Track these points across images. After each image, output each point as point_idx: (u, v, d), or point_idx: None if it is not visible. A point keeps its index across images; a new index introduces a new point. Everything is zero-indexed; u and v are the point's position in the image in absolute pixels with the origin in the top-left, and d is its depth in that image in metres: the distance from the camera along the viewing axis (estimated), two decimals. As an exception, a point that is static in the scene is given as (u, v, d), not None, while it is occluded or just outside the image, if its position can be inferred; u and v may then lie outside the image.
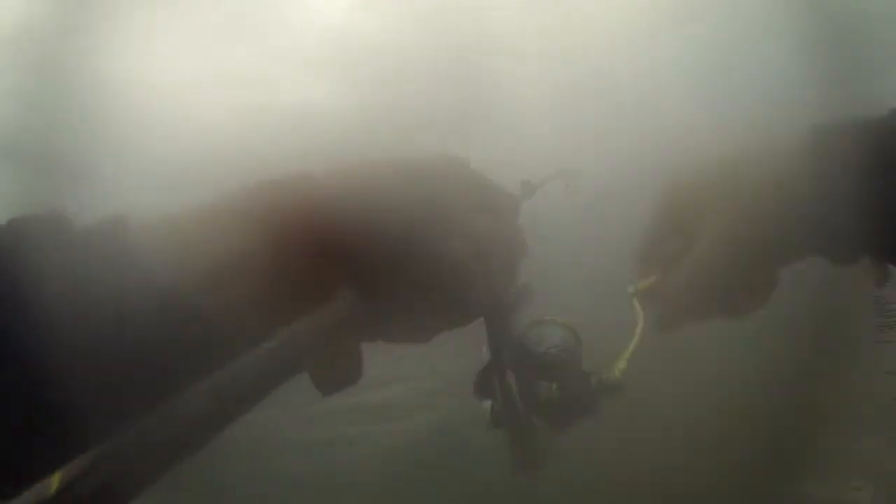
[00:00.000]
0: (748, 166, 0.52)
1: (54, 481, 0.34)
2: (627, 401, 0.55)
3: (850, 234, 0.48)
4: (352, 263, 0.40)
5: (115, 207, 0.38)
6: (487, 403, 0.57)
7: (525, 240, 0.47)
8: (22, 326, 0.34)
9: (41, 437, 0.34)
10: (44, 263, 0.35)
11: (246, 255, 0.38)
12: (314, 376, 0.42)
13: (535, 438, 0.56)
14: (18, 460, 0.34)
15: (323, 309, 0.39)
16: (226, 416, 0.39)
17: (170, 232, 0.39)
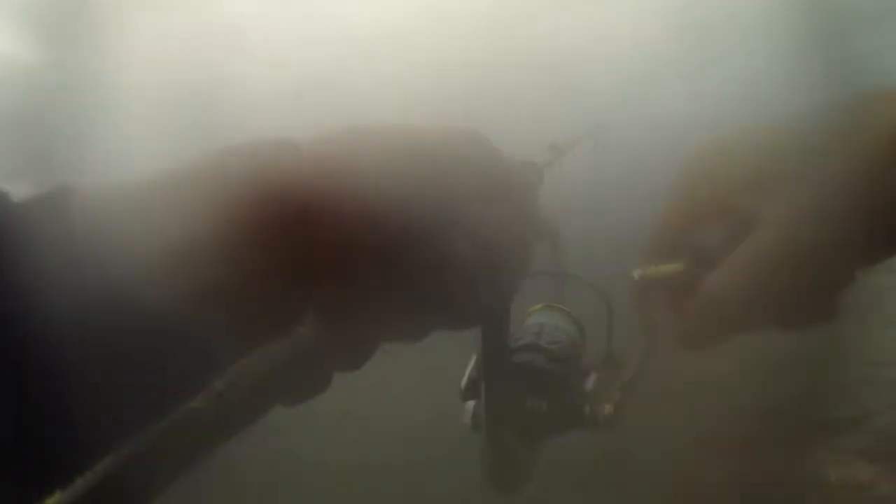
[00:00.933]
0: (827, 122, 0.39)
1: None
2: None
3: None
4: (337, 259, 0.32)
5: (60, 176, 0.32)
6: (471, 404, 0.52)
7: (545, 228, 0.41)
8: None
9: None
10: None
11: (203, 239, 0.31)
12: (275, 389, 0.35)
13: (515, 451, 0.51)
14: None
15: (299, 323, 0.33)
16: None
17: (118, 207, 0.32)
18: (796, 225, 0.37)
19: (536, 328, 0.55)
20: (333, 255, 0.32)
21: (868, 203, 0.36)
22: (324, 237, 0.32)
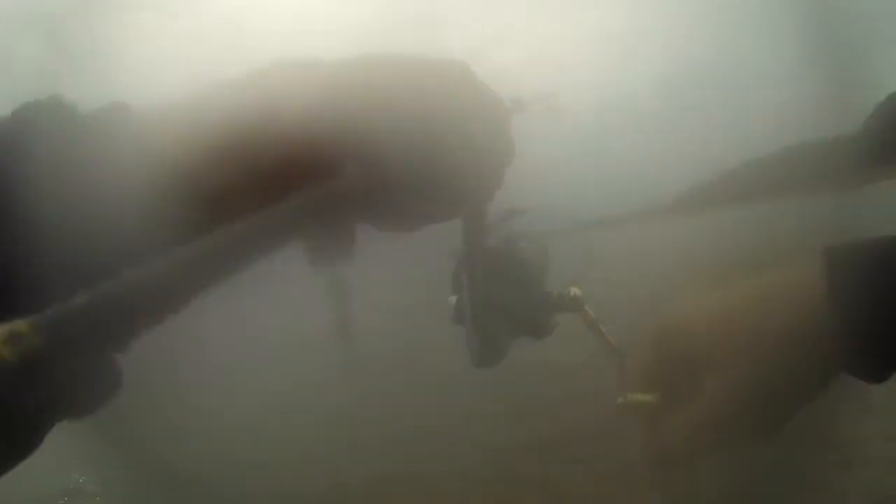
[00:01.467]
0: (757, 315, 0.50)
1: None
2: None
3: (877, 352, 0.46)
4: (355, 144, 0.41)
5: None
6: (453, 298, 0.61)
7: (514, 149, 0.49)
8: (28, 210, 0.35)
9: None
10: (50, 149, 0.36)
11: (254, 131, 0.39)
12: (307, 248, 0.44)
13: (493, 335, 0.60)
14: None
15: (324, 183, 0.40)
16: (211, 274, 0.38)
17: (173, 115, 0.39)
18: (727, 394, 0.49)
19: (508, 241, 0.63)
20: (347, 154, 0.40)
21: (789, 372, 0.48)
22: (343, 124, 0.40)
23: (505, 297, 0.59)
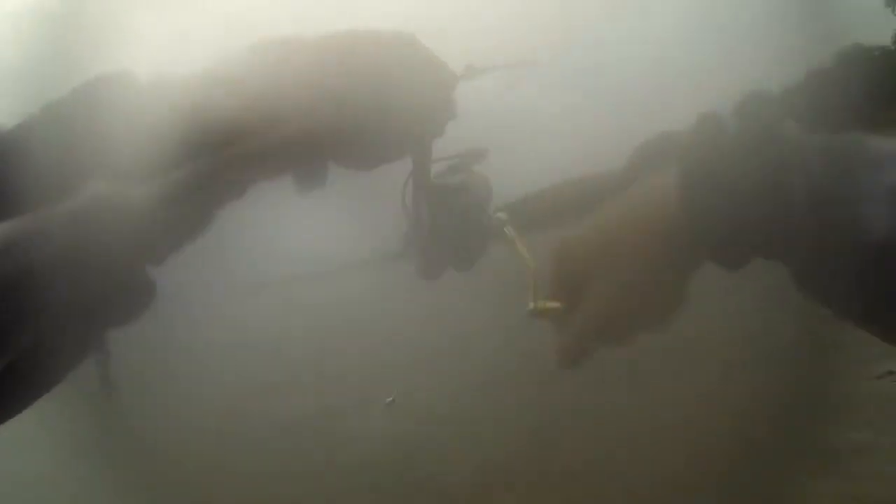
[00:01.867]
0: (626, 226, 0.61)
1: None
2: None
3: (736, 238, 0.55)
4: (328, 100, 0.55)
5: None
6: (403, 224, 0.76)
7: (454, 107, 0.64)
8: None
9: None
10: (121, 116, 0.50)
11: (257, 96, 0.53)
12: (293, 178, 0.58)
13: (436, 253, 0.76)
14: None
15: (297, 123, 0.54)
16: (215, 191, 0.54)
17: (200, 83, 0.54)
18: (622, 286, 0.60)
19: (449, 176, 0.78)
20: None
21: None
22: (317, 84, 0.55)
23: (445, 221, 0.75)
